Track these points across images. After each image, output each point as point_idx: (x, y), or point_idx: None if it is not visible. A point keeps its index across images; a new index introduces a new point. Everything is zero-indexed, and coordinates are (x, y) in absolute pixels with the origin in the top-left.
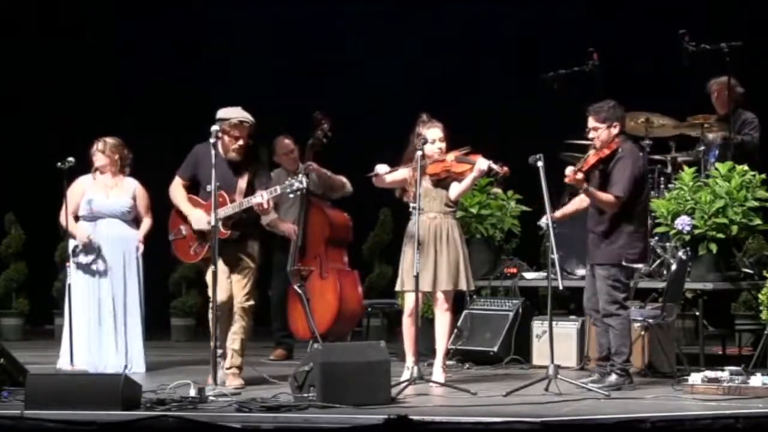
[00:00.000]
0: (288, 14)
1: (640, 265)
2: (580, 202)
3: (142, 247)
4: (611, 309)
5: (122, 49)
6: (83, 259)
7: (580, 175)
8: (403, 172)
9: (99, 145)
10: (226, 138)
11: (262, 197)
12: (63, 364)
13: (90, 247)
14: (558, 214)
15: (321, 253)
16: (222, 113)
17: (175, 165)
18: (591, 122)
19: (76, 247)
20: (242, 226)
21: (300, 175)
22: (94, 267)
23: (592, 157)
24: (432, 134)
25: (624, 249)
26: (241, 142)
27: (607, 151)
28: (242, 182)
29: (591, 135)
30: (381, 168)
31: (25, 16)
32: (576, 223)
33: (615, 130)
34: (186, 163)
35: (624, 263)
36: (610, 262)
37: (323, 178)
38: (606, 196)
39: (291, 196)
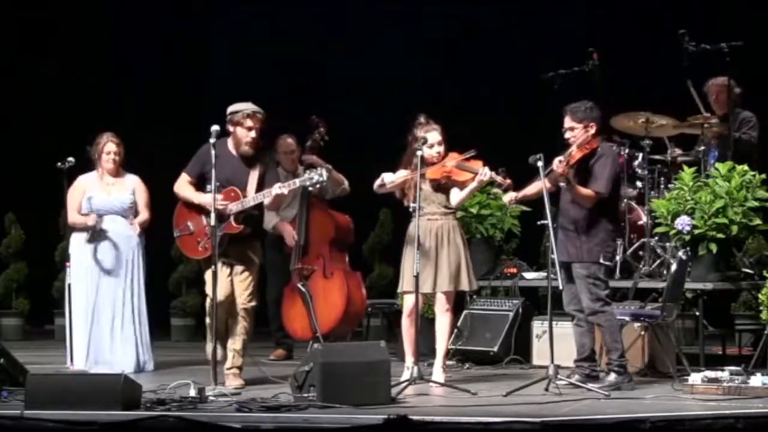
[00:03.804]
0: (289, 14)
1: (610, 263)
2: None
3: (137, 230)
4: (596, 306)
5: (122, 49)
6: (93, 246)
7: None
8: (403, 174)
9: (115, 147)
10: (239, 130)
11: (280, 189)
12: (75, 364)
13: (100, 231)
14: (519, 194)
15: (324, 253)
16: (233, 107)
17: (175, 165)
18: (568, 122)
19: (90, 235)
20: (252, 223)
21: (320, 168)
22: (103, 256)
23: (577, 152)
24: (431, 138)
25: (601, 246)
26: (254, 134)
27: (589, 148)
28: (253, 177)
29: (567, 135)
30: (387, 177)
31: (25, 15)
32: None
33: (591, 131)
34: (194, 161)
35: (602, 261)
36: (590, 260)
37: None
38: (587, 191)
39: (310, 189)
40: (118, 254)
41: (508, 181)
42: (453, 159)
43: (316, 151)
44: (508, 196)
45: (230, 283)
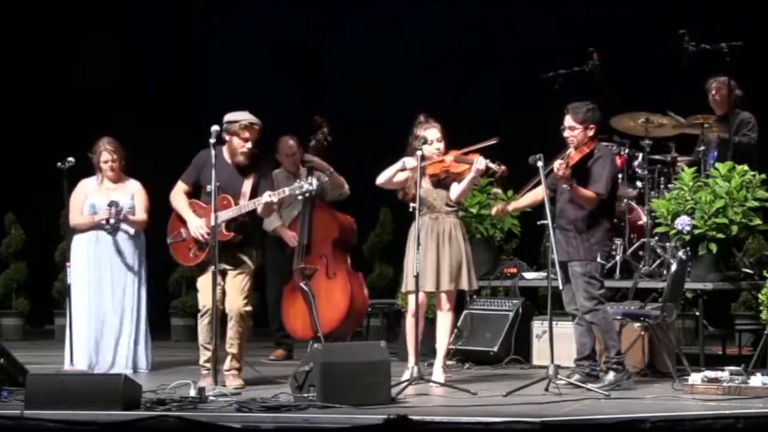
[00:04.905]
0: (290, 14)
1: (606, 262)
2: (535, 195)
3: (104, 215)
4: (590, 305)
5: (122, 49)
6: (94, 247)
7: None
8: (406, 172)
9: (109, 156)
10: (235, 140)
11: (270, 197)
12: (76, 364)
13: (114, 223)
14: (510, 206)
15: (327, 253)
16: (231, 116)
17: (175, 165)
18: (568, 121)
19: (105, 221)
20: (245, 230)
21: (310, 178)
22: (105, 257)
23: (575, 154)
24: (430, 135)
25: (600, 245)
26: (249, 144)
27: (587, 150)
28: (247, 186)
29: (566, 134)
30: (409, 162)
31: (25, 14)
32: None
33: (591, 133)
34: (190, 168)
35: (599, 259)
36: (587, 258)
37: (324, 172)
38: (588, 193)
39: (300, 198)
40: (119, 256)
41: (503, 168)
42: (452, 155)
43: (319, 151)
44: (496, 207)
45: (221, 291)
